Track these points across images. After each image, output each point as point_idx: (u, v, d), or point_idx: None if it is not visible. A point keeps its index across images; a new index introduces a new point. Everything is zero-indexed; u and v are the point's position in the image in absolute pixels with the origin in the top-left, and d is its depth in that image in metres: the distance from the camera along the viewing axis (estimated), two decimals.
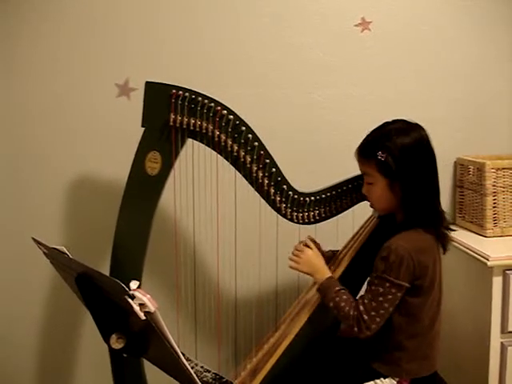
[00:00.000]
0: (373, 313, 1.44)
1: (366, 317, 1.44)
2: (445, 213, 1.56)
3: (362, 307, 1.45)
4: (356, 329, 1.46)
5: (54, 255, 1.31)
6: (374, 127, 1.56)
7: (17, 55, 2.00)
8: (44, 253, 1.35)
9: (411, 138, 1.48)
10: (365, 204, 1.66)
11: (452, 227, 1.59)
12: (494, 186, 2.01)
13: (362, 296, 1.49)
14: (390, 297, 1.44)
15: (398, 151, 1.45)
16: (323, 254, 1.74)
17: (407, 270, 1.42)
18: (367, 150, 1.52)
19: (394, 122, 1.54)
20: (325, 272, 1.59)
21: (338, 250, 1.82)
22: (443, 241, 1.54)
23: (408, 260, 1.42)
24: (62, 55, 2.01)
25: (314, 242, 1.73)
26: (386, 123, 1.55)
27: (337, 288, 1.53)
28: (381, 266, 1.45)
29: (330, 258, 1.80)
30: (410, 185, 1.47)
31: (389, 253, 1.43)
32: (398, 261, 1.42)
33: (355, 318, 1.46)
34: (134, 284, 1.03)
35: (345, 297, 1.51)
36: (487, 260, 1.78)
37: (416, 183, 1.47)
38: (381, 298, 1.44)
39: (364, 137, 1.56)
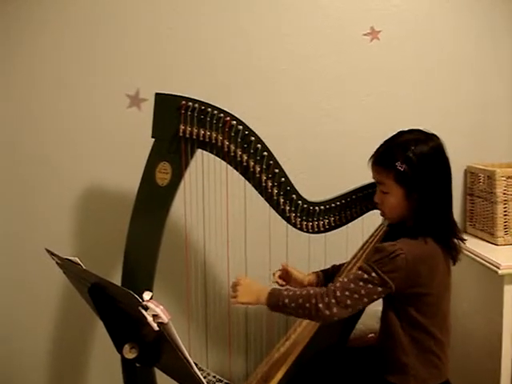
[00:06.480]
0: (347, 292, 1.40)
1: (338, 293, 1.40)
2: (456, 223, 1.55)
3: (338, 284, 1.43)
4: (321, 305, 1.40)
5: (67, 266, 1.32)
6: (388, 136, 1.53)
7: (25, 63, 2.02)
8: (57, 263, 1.36)
9: (429, 147, 1.46)
10: (374, 213, 1.66)
11: (463, 237, 1.56)
12: (504, 193, 2.01)
13: (343, 276, 1.48)
14: (370, 286, 1.40)
15: (417, 161, 1.43)
16: (297, 279, 1.76)
17: (398, 270, 1.39)
18: (384, 159, 1.49)
19: (410, 131, 1.52)
20: (266, 291, 1.52)
21: (326, 269, 1.83)
22: (453, 251, 1.52)
23: (402, 261, 1.39)
24: (73, 66, 2.03)
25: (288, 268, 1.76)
26: (402, 133, 1.52)
27: (284, 288, 1.52)
28: (374, 256, 1.43)
29: (313, 281, 1.79)
30: (428, 195, 1.45)
31: (386, 246, 1.42)
32: (392, 256, 1.39)
33: (317, 294, 1.42)
34: (147, 295, 1.04)
35: (295, 288, 1.51)
36: (498, 268, 1.78)
37: (433, 193, 1.45)
38: (361, 283, 1.41)
39: (378, 146, 1.54)
